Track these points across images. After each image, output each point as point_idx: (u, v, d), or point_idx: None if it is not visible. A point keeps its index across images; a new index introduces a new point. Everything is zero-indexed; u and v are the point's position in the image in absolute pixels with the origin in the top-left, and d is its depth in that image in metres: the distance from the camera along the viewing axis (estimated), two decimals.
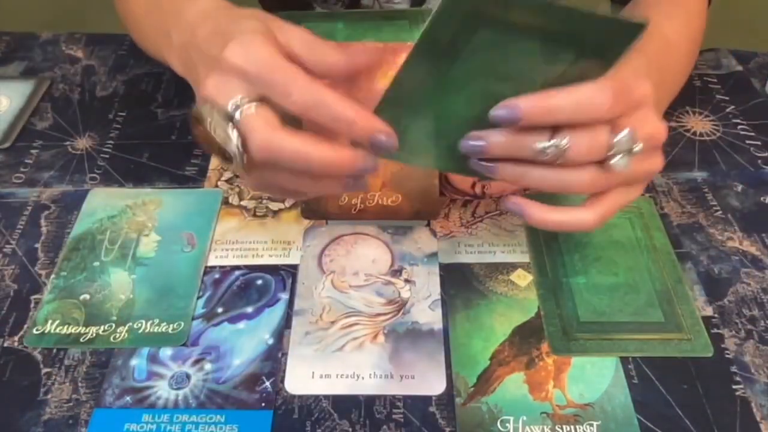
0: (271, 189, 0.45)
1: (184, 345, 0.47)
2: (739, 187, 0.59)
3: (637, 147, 0.39)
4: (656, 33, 0.52)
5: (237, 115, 0.38)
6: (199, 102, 0.41)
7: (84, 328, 0.47)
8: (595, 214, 0.41)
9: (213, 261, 0.52)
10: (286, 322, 0.48)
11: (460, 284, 0.50)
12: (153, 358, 0.46)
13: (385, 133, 0.38)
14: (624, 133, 0.38)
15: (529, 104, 0.38)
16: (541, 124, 0.38)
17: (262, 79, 0.38)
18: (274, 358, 0.46)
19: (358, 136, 0.38)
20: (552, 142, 0.38)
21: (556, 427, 0.42)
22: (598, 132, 0.38)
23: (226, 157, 0.39)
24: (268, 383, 0.45)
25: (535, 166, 0.40)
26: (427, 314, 0.49)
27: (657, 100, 0.42)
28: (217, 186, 0.58)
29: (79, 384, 0.45)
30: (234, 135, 0.38)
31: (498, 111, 0.38)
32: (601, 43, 0.36)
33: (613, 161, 0.39)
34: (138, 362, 0.46)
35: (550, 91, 0.37)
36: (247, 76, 0.38)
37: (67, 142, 0.63)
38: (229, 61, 0.38)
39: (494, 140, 0.39)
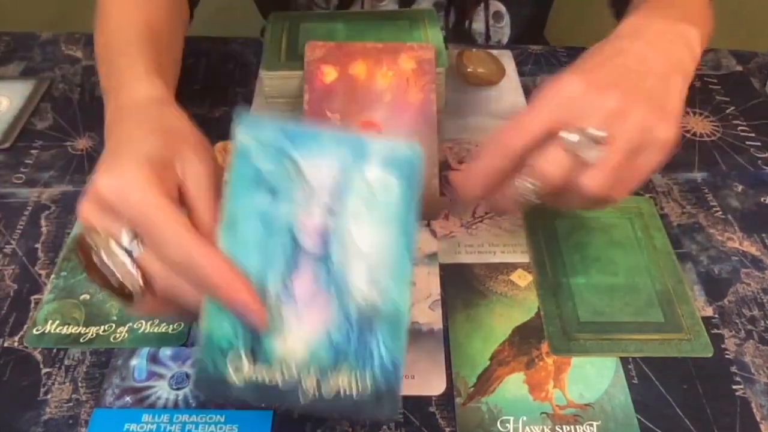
0: (164, 314, 0.40)
1: (184, 345, 0.47)
2: (739, 188, 0.59)
3: (593, 131, 0.40)
4: None
5: (135, 252, 0.35)
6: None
7: (84, 328, 0.47)
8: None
9: None
10: None
11: (460, 284, 0.50)
12: (153, 358, 0.46)
13: (254, 311, 0.34)
14: (572, 135, 0.40)
15: (468, 185, 0.42)
16: (485, 189, 0.42)
17: (136, 222, 0.35)
18: None
19: (225, 303, 0.35)
20: (520, 187, 0.41)
21: (556, 427, 0.42)
22: (548, 150, 0.40)
23: (119, 292, 0.35)
24: None
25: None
26: (427, 314, 0.48)
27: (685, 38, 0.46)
28: None
29: (79, 384, 0.45)
30: (135, 272, 0.35)
31: (456, 210, 0.44)
32: None
33: (584, 156, 0.40)
34: (138, 362, 0.46)
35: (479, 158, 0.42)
36: (120, 215, 0.35)
37: (67, 142, 0.63)
38: (100, 191, 0.35)
39: (478, 193, 0.43)
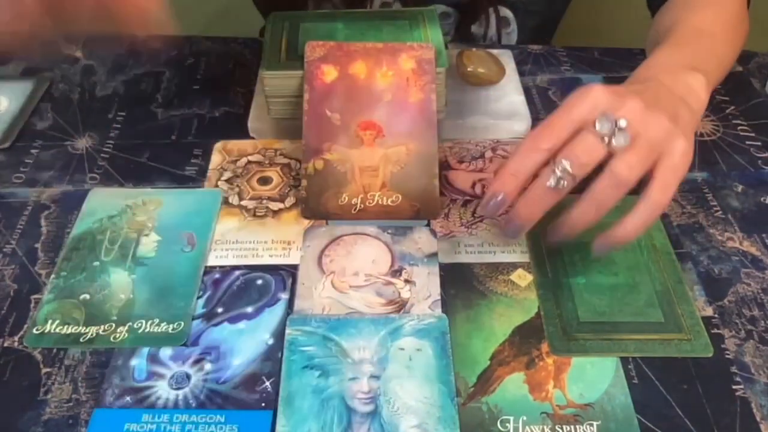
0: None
1: (184, 345, 0.47)
2: (739, 188, 0.59)
3: (622, 121, 0.43)
4: (684, 23, 0.58)
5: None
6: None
7: (84, 328, 0.47)
8: (638, 217, 0.44)
9: (213, 261, 0.52)
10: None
11: (460, 284, 0.50)
12: (153, 358, 0.46)
13: None
14: (600, 119, 0.43)
15: (498, 183, 0.45)
16: (517, 188, 0.44)
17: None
18: (274, 358, 0.46)
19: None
20: (555, 173, 0.43)
21: (556, 427, 0.42)
22: (581, 135, 0.43)
23: None
24: (268, 383, 0.45)
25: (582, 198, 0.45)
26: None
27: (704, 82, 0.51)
28: (217, 186, 0.58)
29: (79, 384, 0.45)
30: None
31: (487, 209, 0.45)
32: None
33: (615, 143, 0.43)
34: (138, 362, 0.46)
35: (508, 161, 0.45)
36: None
37: (67, 142, 0.63)
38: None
39: (510, 192, 0.45)
